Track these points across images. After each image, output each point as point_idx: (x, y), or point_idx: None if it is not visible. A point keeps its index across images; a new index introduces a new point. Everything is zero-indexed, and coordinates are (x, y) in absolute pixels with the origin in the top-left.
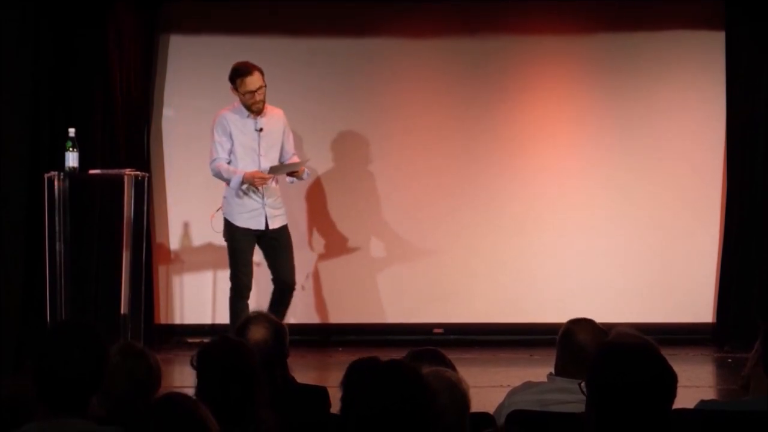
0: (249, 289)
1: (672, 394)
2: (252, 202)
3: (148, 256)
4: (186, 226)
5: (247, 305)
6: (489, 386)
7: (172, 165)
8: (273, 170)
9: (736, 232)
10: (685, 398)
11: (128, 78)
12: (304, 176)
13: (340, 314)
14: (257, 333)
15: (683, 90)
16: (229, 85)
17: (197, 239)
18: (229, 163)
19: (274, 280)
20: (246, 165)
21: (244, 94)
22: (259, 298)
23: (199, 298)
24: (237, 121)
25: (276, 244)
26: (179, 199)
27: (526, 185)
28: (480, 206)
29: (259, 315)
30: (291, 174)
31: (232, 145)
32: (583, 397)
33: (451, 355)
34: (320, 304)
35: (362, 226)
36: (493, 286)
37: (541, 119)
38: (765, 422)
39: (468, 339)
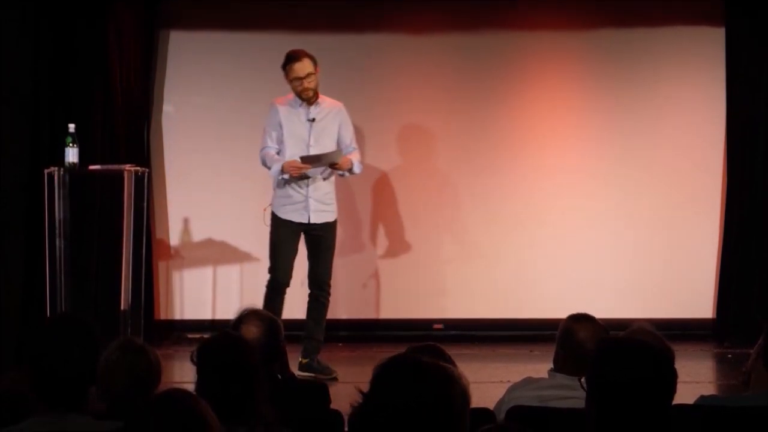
0: (285, 284)
1: (672, 390)
2: (296, 194)
3: (148, 252)
4: (186, 221)
5: (282, 300)
6: (489, 382)
7: (172, 161)
8: (305, 160)
9: (737, 227)
10: (685, 394)
11: (128, 74)
12: (356, 170)
13: (340, 310)
14: (249, 332)
15: (683, 86)
16: (229, 83)
17: (197, 235)
18: (278, 152)
19: (308, 278)
20: (294, 155)
21: (292, 81)
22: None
23: (199, 294)
24: (287, 111)
25: (318, 240)
26: (179, 194)
27: (526, 181)
28: (480, 202)
29: (249, 313)
30: (333, 166)
31: (282, 134)
32: (584, 393)
33: (451, 351)
34: None
35: (361, 221)
36: (493, 282)
37: (541, 115)
38: (765, 417)
39: (468, 335)
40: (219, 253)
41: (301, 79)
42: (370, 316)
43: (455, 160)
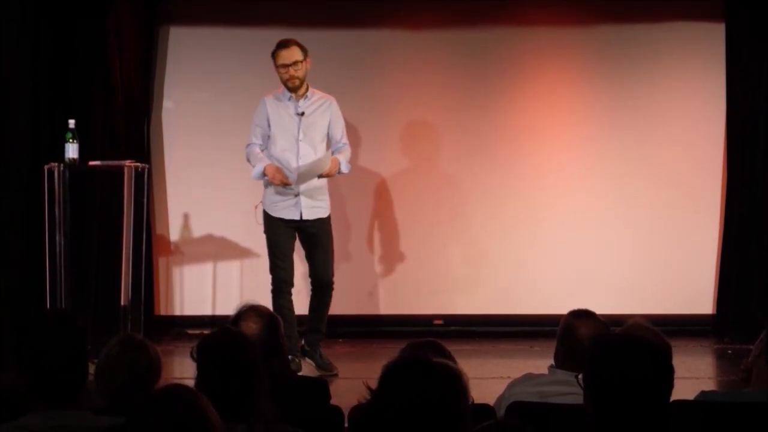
0: (288, 283)
1: (669, 385)
2: (287, 191)
3: (148, 248)
4: (186, 217)
5: (289, 300)
6: (489, 378)
7: (172, 156)
8: (298, 182)
9: (737, 223)
10: (686, 389)
11: (128, 70)
12: (343, 169)
13: (340, 306)
14: (248, 328)
15: (683, 81)
16: (229, 79)
17: (197, 231)
18: (264, 149)
19: (309, 276)
20: (283, 149)
21: (278, 68)
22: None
23: (199, 290)
24: (276, 105)
25: (313, 238)
26: (179, 190)
27: (526, 177)
28: (480, 198)
29: (249, 309)
30: (322, 176)
31: (270, 129)
32: None
33: (451, 347)
34: None
35: (361, 218)
36: (494, 278)
37: (541, 111)
38: (765, 413)
39: (468, 330)
40: (219, 249)
41: (287, 66)
42: (370, 312)
43: (455, 156)
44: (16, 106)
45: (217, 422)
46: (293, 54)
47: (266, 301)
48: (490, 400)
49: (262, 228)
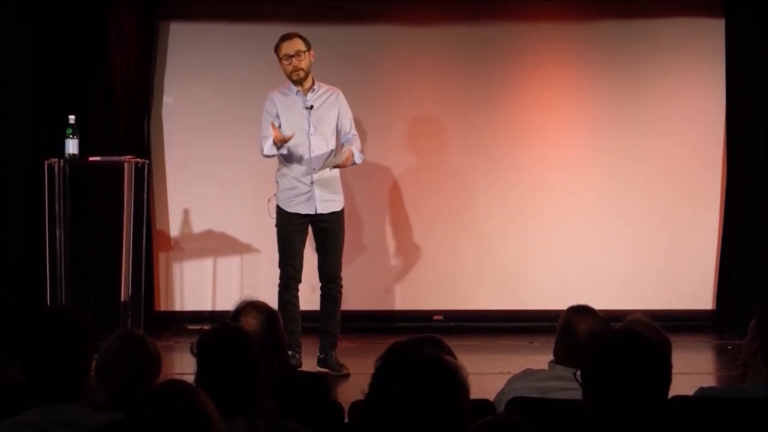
0: (296, 280)
1: (667, 381)
2: (301, 185)
3: (149, 244)
4: (186, 213)
5: (295, 296)
6: (489, 373)
7: (172, 152)
8: (317, 172)
9: (736, 218)
10: (685, 385)
11: (128, 65)
12: (357, 160)
13: (342, 301)
14: (247, 323)
15: (683, 78)
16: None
17: (197, 226)
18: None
19: (318, 269)
20: (295, 144)
21: (281, 60)
22: (256, 287)
23: (199, 286)
24: (284, 101)
25: (325, 231)
26: (179, 186)
27: (527, 172)
28: (480, 193)
29: (248, 305)
30: (337, 166)
31: (280, 125)
32: None
33: (451, 342)
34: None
35: (361, 214)
36: (493, 274)
37: (542, 107)
38: (764, 409)
39: (468, 326)
40: (219, 244)
41: (290, 57)
42: (371, 308)
43: (455, 152)
44: (16, 103)
45: (217, 418)
46: (296, 44)
47: (266, 296)
48: (490, 396)
49: (266, 222)
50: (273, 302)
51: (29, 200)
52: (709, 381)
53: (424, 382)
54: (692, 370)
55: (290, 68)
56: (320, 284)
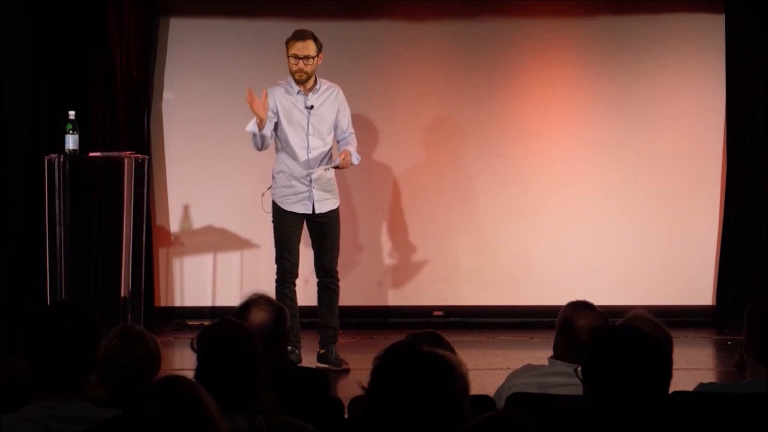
0: (293, 275)
1: (667, 376)
2: (300, 185)
3: (148, 239)
4: (186, 208)
5: (293, 291)
6: (488, 369)
7: (172, 147)
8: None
9: (736, 214)
10: (685, 381)
11: (129, 60)
12: (354, 161)
13: (341, 296)
14: (258, 316)
15: (683, 73)
16: (230, 70)
17: (197, 222)
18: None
19: (315, 265)
20: (294, 143)
21: (288, 57)
22: (256, 282)
23: (199, 281)
24: (284, 97)
25: (322, 227)
26: (179, 181)
27: (526, 167)
28: (480, 189)
29: (259, 298)
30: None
31: (278, 120)
32: None
33: (451, 338)
34: None
35: (360, 209)
36: (493, 269)
37: (541, 102)
38: (763, 404)
39: (468, 321)
40: (219, 240)
41: (298, 58)
42: (371, 303)
43: (455, 147)
44: (16, 98)
45: (216, 413)
46: (308, 48)
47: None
48: (490, 392)
49: (264, 217)
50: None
51: (29, 196)
52: (708, 376)
53: (423, 380)
54: (692, 366)
55: (295, 68)
56: (317, 279)
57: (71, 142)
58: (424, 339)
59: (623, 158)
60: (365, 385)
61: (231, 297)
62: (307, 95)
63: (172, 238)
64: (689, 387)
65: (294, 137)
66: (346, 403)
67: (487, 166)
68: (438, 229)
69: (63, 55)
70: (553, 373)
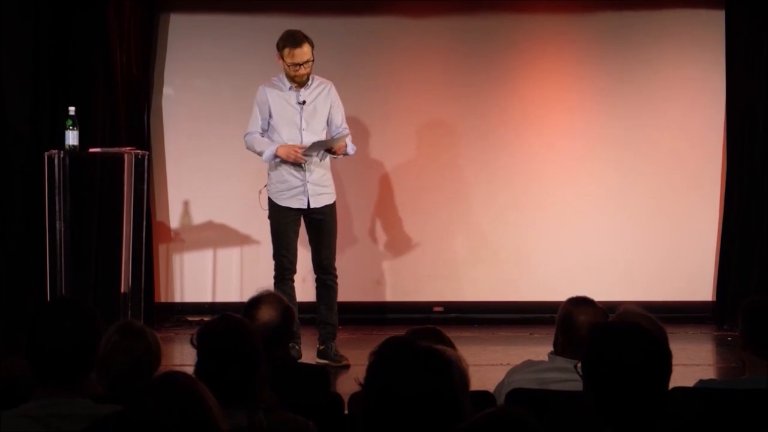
0: (291, 271)
1: (667, 371)
2: (294, 179)
3: (148, 235)
4: (186, 204)
5: (291, 287)
6: (488, 365)
7: (172, 143)
8: (308, 151)
9: (736, 210)
10: (685, 377)
11: (129, 57)
12: (349, 151)
13: (340, 293)
14: (267, 314)
15: (683, 69)
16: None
17: (197, 218)
18: (263, 135)
19: (312, 261)
20: (288, 139)
21: (289, 66)
22: (256, 279)
23: (199, 277)
24: (276, 95)
25: (318, 223)
26: (179, 177)
27: (526, 163)
28: (480, 185)
29: (270, 295)
30: (330, 151)
31: (272, 118)
32: None
33: (451, 334)
34: None
35: (360, 205)
36: (493, 265)
37: (540, 98)
38: (763, 400)
39: (468, 317)
40: (219, 236)
41: (298, 65)
42: (370, 299)
43: (455, 143)
44: (16, 94)
45: (217, 409)
46: (305, 53)
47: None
48: (490, 387)
49: (264, 213)
50: None
51: (29, 192)
52: (708, 372)
53: (420, 375)
54: (692, 362)
55: (294, 73)
56: (315, 276)
57: (71, 138)
58: (425, 335)
59: (623, 155)
60: (362, 381)
61: (231, 293)
62: (299, 91)
63: (172, 234)
64: (689, 383)
65: (287, 134)
66: (346, 399)
67: (487, 161)
68: (438, 225)
69: (63, 55)
70: (553, 368)
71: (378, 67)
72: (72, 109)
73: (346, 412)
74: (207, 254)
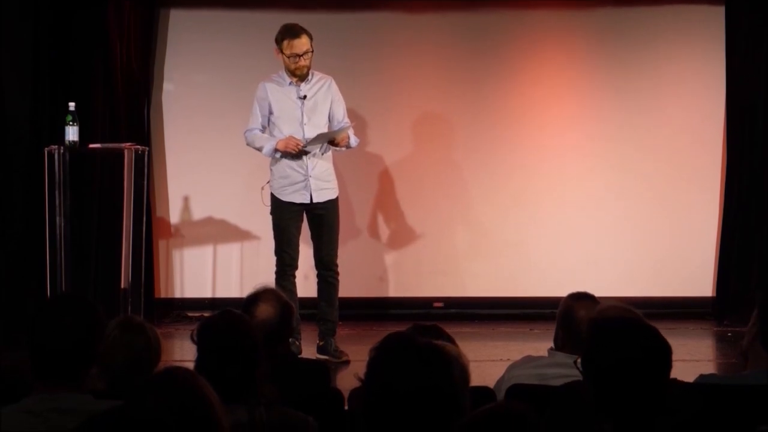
0: (293, 267)
1: (667, 365)
2: (295, 174)
3: (148, 230)
4: (186, 199)
5: (293, 283)
6: (489, 360)
7: (172, 139)
8: (311, 144)
9: (736, 205)
10: (685, 372)
11: (128, 52)
12: (352, 143)
13: (341, 288)
14: (265, 310)
15: (683, 64)
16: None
17: (197, 213)
18: (264, 131)
19: (314, 257)
20: (290, 134)
21: (288, 57)
22: (257, 274)
23: (199, 272)
24: (277, 91)
25: (320, 218)
26: (179, 172)
27: (526, 159)
28: (480, 180)
29: (269, 291)
30: (333, 143)
31: (272, 114)
32: None
33: (451, 329)
34: None
35: (361, 201)
36: (493, 261)
37: (541, 94)
38: (763, 396)
39: (468, 313)
40: (219, 231)
41: (298, 56)
42: (371, 295)
43: (455, 139)
44: (16, 90)
45: (218, 404)
46: (304, 44)
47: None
48: (490, 383)
49: (264, 209)
50: None
51: (29, 187)
52: (708, 368)
53: (419, 371)
54: (692, 357)
55: (294, 66)
56: (316, 271)
57: (71, 133)
58: (425, 331)
59: (623, 150)
60: (362, 376)
61: (231, 288)
62: (299, 86)
63: (172, 229)
64: (690, 378)
65: (289, 129)
66: (346, 395)
67: (487, 157)
68: (438, 221)
69: (63, 47)
70: (553, 364)
71: (378, 62)
72: (72, 105)
73: (346, 407)
74: (207, 249)
